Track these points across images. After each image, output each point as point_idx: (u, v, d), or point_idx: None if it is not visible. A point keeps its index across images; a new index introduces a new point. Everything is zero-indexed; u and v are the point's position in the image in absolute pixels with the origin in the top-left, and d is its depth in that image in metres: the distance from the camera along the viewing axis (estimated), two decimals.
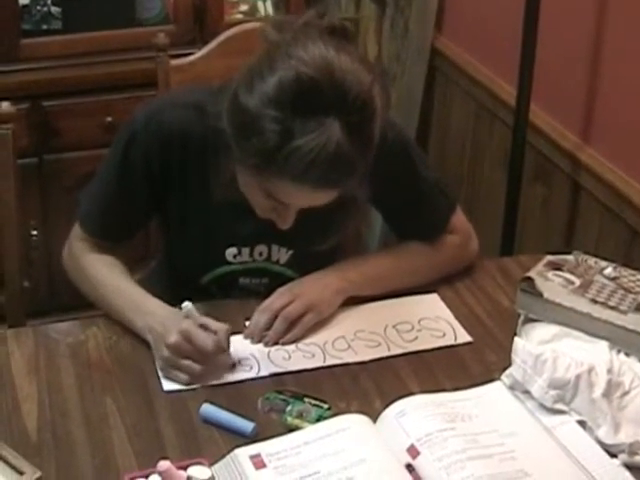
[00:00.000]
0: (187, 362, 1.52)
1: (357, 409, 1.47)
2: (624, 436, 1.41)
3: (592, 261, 1.73)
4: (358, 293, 1.72)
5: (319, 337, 1.65)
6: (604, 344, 1.57)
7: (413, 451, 1.37)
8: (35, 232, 2.76)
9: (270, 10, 3.05)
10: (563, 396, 1.46)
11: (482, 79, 2.61)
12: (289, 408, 1.46)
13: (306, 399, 1.48)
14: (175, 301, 1.60)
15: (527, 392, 1.49)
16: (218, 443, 1.41)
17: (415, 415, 1.42)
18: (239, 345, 1.61)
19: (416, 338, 1.66)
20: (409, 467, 1.35)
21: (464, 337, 1.66)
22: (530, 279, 1.66)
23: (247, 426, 1.42)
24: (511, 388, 1.52)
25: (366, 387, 1.54)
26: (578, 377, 1.46)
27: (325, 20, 1.47)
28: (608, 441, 1.41)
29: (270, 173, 1.45)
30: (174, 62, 2.15)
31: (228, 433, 1.42)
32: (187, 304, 1.57)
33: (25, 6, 2.76)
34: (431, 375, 1.57)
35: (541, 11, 2.20)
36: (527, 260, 1.83)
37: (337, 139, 1.39)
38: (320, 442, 1.37)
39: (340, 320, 1.69)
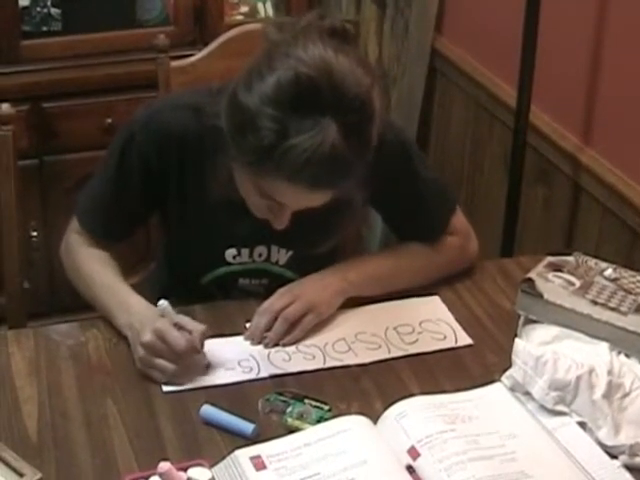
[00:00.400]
0: (160, 361, 1.51)
1: (358, 410, 1.47)
2: (624, 437, 1.41)
3: (592, 262, 1.72)
4: (358, 294, 1.72)
5: (319, 339, 1.65)
6: (604, 345, 1.57)
7: (413, 452, 1.37)
8: (35, 233, 2.76)
9: (270, 11, 3.05)
10: (563, 397, 1.46)
11: (482, 80, 2.61)
12: (289, 409, 1.46)
13: (306, 400, 1.48)
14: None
15: (528, 393, 1.49)
16: (218, 444, 1.41)
17: (416, 416, 1.42)
18: (239, 346, 1.61)
19: (417, 340, 1.66)
20: (409, 468, 1.35)
21: (465, 340, 1.66)
22: (530, 280, 1.66)
23: (247, 427, 1.42)
24: (511, 389, 1.51)
25: (367, 388, 1.54)
26: (579, 378, 1.45)
27: (326, 22, 1.48)
28: (608, 442, 1.41)
29: (265, 171, 1.45)
30: (174, 63, 2.14)
31: (228, 434, 1.42)
32: (163, 302, 1.56)
33: (25, 7, 2.76)
34: (431, 376, 1.57)
35: (541, 12, 2.20)
36: (527, 261, 1.83)
37: (333, 139, 1.40)
38: (321, 443, 1.37)
39: (341, 322, 1.68)
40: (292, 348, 1.62)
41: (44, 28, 2.79)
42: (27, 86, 2.70)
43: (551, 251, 1.77)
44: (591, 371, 1.47)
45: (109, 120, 2.75)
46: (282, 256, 1.75)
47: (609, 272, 1.69)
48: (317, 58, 1.41)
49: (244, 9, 3.03)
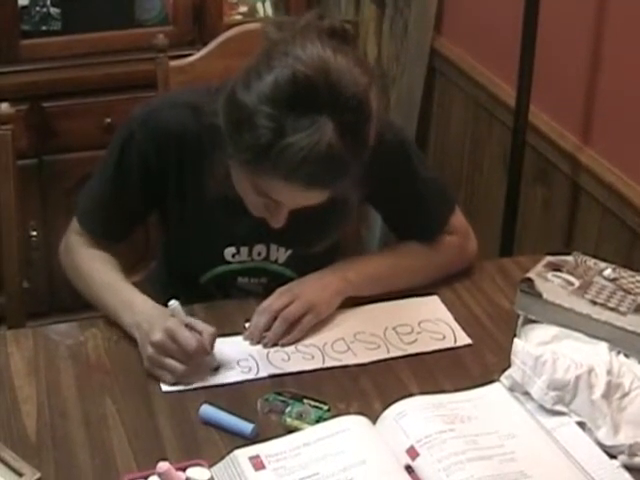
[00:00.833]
0: (170, 361, 1.51)
1: (357, 410, 1.47)
2: (624, 437, 1.41)
3: (592, 262, 1.72)
4: (357, 293, 1.72)
5: (318, 339, 1.65)
6: (604, 345, 1.57)
7: (413, 452, 1.37)
8: (35, 233, 2.76)
9: (269, 11, 3.05)
10: (563, 397, 1.46)
11: (482, 80, 2.61)
12: (289, 409, 1.46)
13: (306, 400, 1.47)
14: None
15: (527, 393, 1.49)
16: (217, 444, 1.41)
17: (415, 416, 1.42)
18: (238, 346, 1.61)
19: (416, 340, 1.66)
20: (408, 468, 1.35)
21: (464, 340, 1.66)
22: (530, 280, 1.66)
23: (247, 427, 1.42)
24: (511, 389, 1.51)
25: (366, 388, 1.54)
26: (578, 378, 1.45)
27: (325, 21, 1.48)
28: (608, 442, 1.41)
29: (262, 170, 1.46)
30: (173, 63, 2.14)
31: (227, 434, 1.42)
32: (173, 302, 1.56)
33: (24, 7, 2.77)
34: (431, 376, 1.57)
35: (541, 12, 2.20)
36: (526, 261, 1.83)
37: (329, 138, 1.40)
38: (320, 443, 1.37)
39: (340, 322, 1.68)
40: (291, 348, 1.62)
41: (43, 28, 2.79)
42: (26, 86, 2.70)
43: (550, 251, 1.77)
44: (590, 371, 1.47)
45: (108, 120, 2.75)
46: (281, 255, 1.76)
47: (608, 272, 1.69)
48: (315, 57, 1.41)
49: (243, 9, 3.03)
